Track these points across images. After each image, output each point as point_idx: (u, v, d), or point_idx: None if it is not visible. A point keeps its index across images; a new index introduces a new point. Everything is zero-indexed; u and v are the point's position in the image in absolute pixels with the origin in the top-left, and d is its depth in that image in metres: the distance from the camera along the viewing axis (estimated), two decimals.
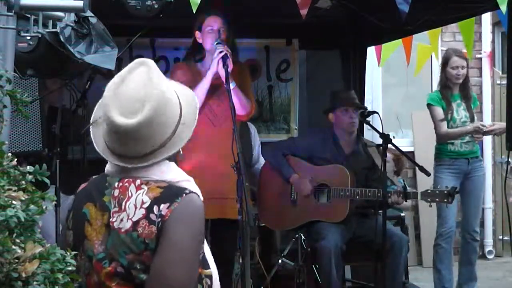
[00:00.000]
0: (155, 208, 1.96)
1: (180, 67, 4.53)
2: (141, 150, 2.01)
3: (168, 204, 1.97)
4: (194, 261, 1.99)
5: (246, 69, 4.70)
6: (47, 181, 1.74)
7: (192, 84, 4.28)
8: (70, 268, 1.66)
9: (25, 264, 1.58)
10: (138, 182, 2.01)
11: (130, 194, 2.00)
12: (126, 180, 2.03)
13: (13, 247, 1.58)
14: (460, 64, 5.58)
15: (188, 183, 2.07)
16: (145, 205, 1.97)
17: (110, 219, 2.01)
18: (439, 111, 5.56)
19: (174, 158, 2.10)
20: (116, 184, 2.04)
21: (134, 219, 1.97)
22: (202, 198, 2.06)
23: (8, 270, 1.56)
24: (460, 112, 5.58)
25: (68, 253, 1.68)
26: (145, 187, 2.00)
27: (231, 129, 3.81)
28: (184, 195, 1.99)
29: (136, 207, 1.97)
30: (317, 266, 4.86)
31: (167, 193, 1.99)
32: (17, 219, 1.58)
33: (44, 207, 1.68)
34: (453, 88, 5.61)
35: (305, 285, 4.96)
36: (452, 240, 5.62)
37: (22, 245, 1.60)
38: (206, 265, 2.07)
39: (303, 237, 4.98)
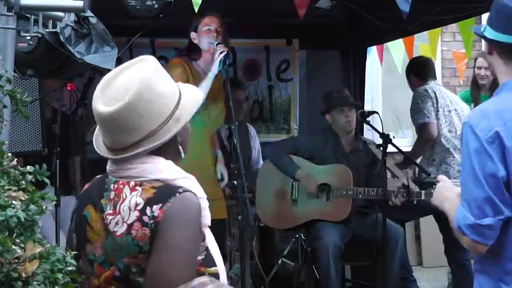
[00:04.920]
0: (148, 210, 1.92)
1: (177, 63, 4.46)
2: (125, 140, 1.95)
3: (160, 205, 1.91)
4: (191, 262, 1.94)
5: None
6: (47, 181, 1.74)
7: (190, 81, 4.27)
8: (70, 268, 1.65)
9: (25, 264, 1.58)
10: (132, 183, 1.97)
11: (124, 196, 1.96)
12: (121, 182, 1.99)
13: (13, 247, 1.58)
14: (482, 65, 5.79)
15: (187, 180, 2.00)
16: (139, 207, 1.93)
17: (105, 222, 1.97)
18: None
19: (173, 157, 2.05)
20: (112, 186, 2.00)
21: (129, 222, 1.92)
22: (203, 196, 2.00)
23: (8, 270, 1.56)
24: None
25: (68, 253, 1.68)
26: (139, 189, 1.95)
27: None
28: (177, 194, 1.94)
29: (130, 210, 1.93)
30: (317, 266, 4.86)
31: (160, 193, 1.94)
32: (17, 219, 1.58)
33: (44, 207, 1.68)
34: (482, 88, 5.83)
35: (305, 285, 4.95)
36: None
37: (22, 245, 1.60)
38: (210, 263, 2.00)
39: (303, 237, 4.98)
